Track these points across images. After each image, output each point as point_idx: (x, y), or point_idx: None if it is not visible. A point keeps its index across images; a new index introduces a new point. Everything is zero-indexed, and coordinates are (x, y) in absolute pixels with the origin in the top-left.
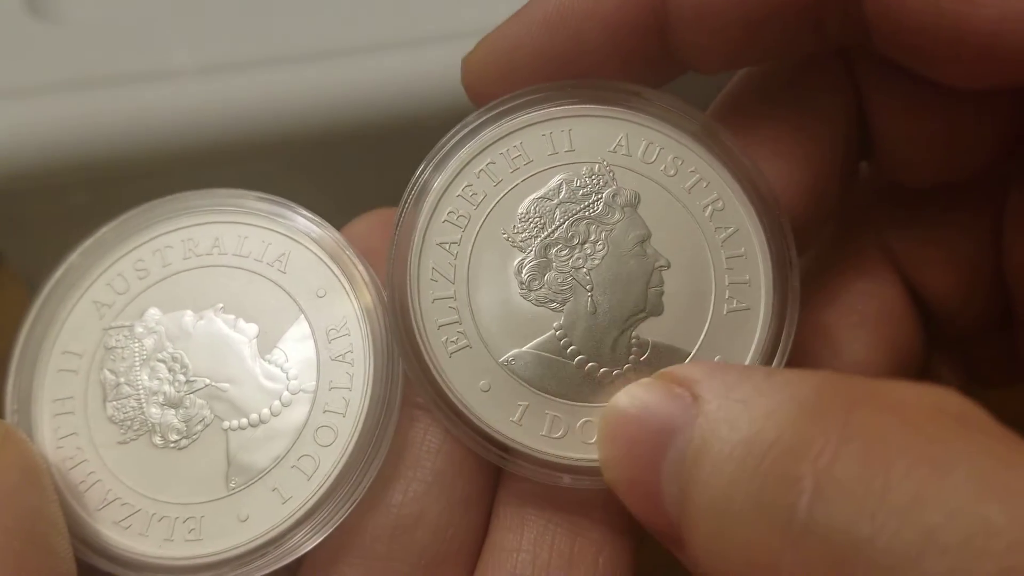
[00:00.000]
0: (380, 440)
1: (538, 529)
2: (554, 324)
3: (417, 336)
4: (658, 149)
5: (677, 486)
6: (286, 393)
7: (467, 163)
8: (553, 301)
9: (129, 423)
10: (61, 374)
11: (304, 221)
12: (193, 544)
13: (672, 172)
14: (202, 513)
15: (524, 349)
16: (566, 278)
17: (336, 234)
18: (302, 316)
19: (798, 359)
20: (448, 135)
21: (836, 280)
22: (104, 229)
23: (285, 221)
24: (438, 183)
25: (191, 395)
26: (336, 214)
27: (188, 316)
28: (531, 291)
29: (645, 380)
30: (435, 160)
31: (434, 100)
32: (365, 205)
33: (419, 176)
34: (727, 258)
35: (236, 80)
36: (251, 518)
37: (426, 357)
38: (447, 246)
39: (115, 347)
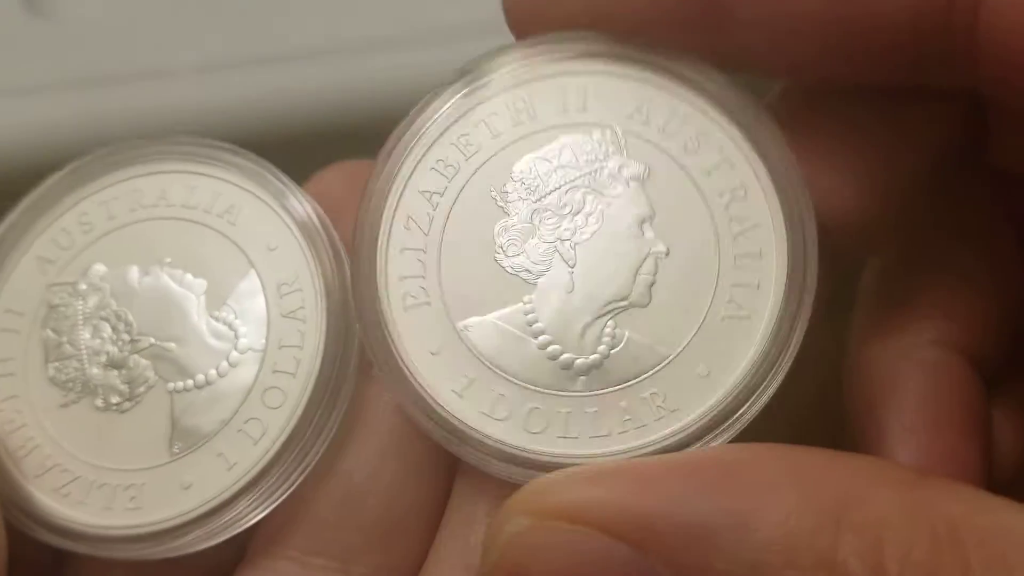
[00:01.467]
0: (332, 403)
1: (494, 500)
2: (524, 297)
3: (376, 283)
4: (682, 121)
5: None
6: (234, 352)
7: (467, 111)
8: (529, 272)
9: (71, 385)
10: (2, 334)
11: (256, 170)
12: (133, 513)
13: (693, 149)
14: (143, 480)
15: (485, 317)
16: (548, 249)
17: (292, 184)
18: (252, 270)
19: (913, 313)
20: (450, 77)
21: (948, 229)
22: (48, 182)
23: (236, 170)
24: (431, 127)
25: (135, 355)
26: None
27: (133, 272)
28: (507, 256)
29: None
30: (432, 103)
31: None
32: None
33: (412, 117)
34: (737, 256)
35: (236, 79)
36: (194, 485)
37: (380, 307)
38: (428, 195)
39: (58, 305)
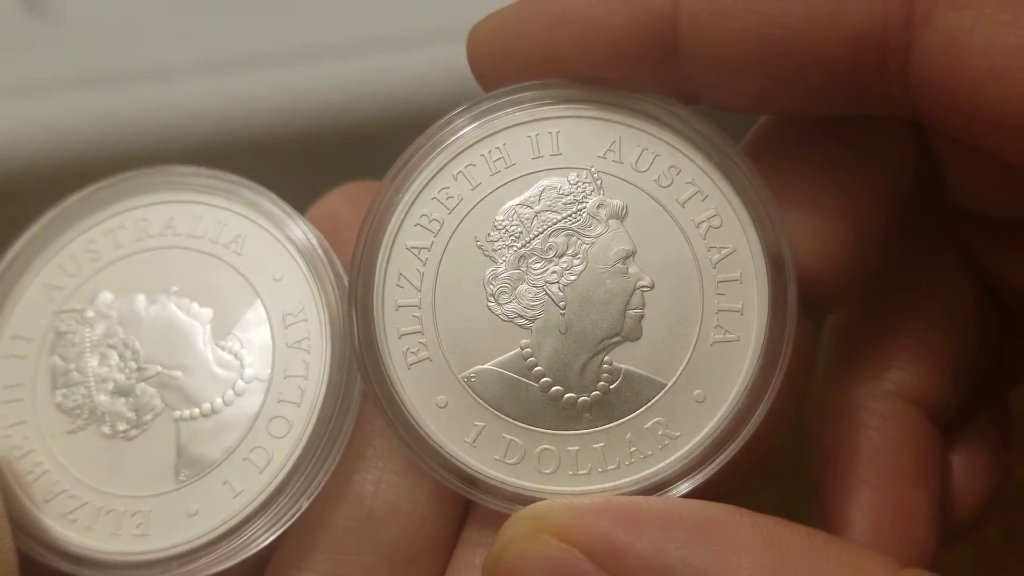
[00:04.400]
0: (337, 431)
1: None
2: (521, 342)
3: (377, 344)
4: (653, 156)
5: None
6: (240, 382)
7: (445, 164)
8: (522, 317)
9: (78, 411)
10: (10, 360)
11: (262, 200)
12: (140, 539)
13: (667, 183)
14: (150, 507)
15: (486, 366)
16: (538, 293)
17: (295, 214)
18: (258, 300)
19: (870, 362)
20: (427, 132)
21: (907, 277)
22: (55, 210)
23: (242, 200)
24: (413, 184)
25: (142, 383)
26: None
27: (140, 300)
28: (500, 304)
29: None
30: (412, 160)
31: (435, 99)
32: None
33: (394, 175)
34: (719, 282)
35: (236, 79)
36: (201, 512)
37: (384, 367)
38: (417, 251)
39: (66, 332)
